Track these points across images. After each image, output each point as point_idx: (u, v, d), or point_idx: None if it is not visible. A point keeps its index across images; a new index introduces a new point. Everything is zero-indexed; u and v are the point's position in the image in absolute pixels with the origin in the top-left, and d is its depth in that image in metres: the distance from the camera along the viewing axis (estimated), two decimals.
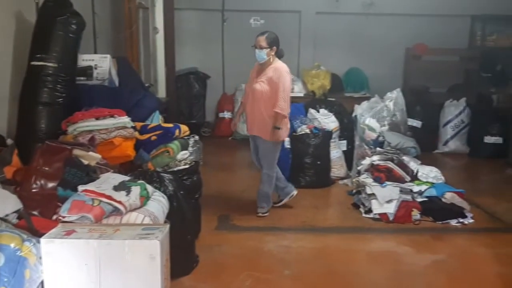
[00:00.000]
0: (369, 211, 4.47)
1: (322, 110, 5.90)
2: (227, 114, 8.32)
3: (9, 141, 3.24)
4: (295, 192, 4.71)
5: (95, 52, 5.63)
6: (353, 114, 6.06)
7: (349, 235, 4.09)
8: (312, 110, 5.83)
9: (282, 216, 4.48)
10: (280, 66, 4.21)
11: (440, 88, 8.10)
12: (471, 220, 4.41)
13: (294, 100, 6.65)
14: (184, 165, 3.81)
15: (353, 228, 4.24)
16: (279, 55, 4.33)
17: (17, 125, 3.74)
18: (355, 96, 7.59)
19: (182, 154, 3.87)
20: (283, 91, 4.13)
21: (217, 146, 7.48)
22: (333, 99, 6.49)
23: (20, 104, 3.74)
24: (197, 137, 6.32)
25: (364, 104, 6.02)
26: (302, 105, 6.02)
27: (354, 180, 4.98)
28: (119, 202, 2.60)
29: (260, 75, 4.27)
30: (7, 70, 3.80)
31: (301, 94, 7.53)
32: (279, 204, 4.67)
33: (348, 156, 5.84)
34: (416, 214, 4.40)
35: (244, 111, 4.74)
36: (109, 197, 2.61)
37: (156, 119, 4.37)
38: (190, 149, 5.75)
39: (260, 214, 4.46)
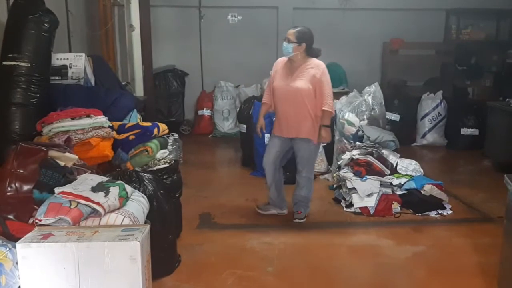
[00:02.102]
0: (350, 205, 4.49)
1: None
2: (206, 112, 8.29)
3: None
4: (285, 212, 4.39)
5: (70, 51, 5.52)
6: None
7: (331, 230, 4.10)
8: None
9: (263, 213, 4.47)
10: (320, 63, 3.99)
11: (417, 81, 8.21)
12: (450, 212, 4.49)
13: None
14: (164, 164, 3.76)
15: (334, 222, 4.26)
16: (314, 54, 4.05)
17: None
18: (334, 91, 7.54)
19: (162, 153, 3.83)
20: (328, 88, 3.96)
21: (197, 144, 7.44)
22: None
23: None
24: (176, 136, 6.28)
25: (343, 99, 6.04)
26: None
27: (334, 175, 5.00)
28: (98, 204, 2.55)
29: (296, 72, 4.00)
30: None
31: None
32: (264, 211, 4.40)
33: (329, 151, 5.85)
34: (396, 207, 4.44)
35: (269, 111, 4.40)
36: (87, 199, 2.55)
37: (134, 118, 4.30)
38: (170, 147, 5.70)
39: (297, 220, 4.18)
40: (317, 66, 3.96)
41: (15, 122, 3.63)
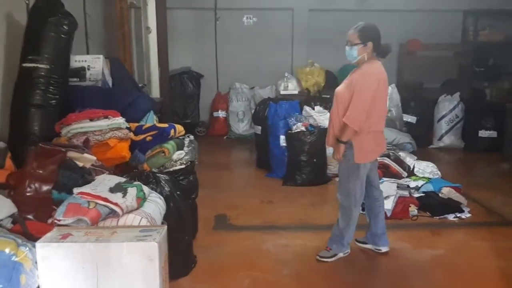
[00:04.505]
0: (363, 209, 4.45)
1: (317, 107, 5.88)
2: (221, 113, 8.31)
3: (2, 144, 3.18)
4: (385, 249, 3.68)
5: (88, 53, 5.58)
6: None
7: None
8: (307, 108, 5.81)
9: (279, 215, 4.46)
10: (368, 66, 3.28)
11: (434, 83, 8.12)
12: (469, 215, 4.42)
13: (288, 98, 6.67)
14: (180, 165, 3.78)
15: None
16: (383, 53, 3.38)
17: (9, 128, 3.69)
18: None
19: (178, 154, 3.84)
20: (357, 98, 3.20)
21: (212, 146, 7.45)
22: (328, 96, 6.48)
23: (12, 107, 3.69)
24: (192, 137, 6.28)
25: None
26: (297, 102, 6.00)
27: None
28: (116, 204, 2.56)
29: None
30: None
31: (296, 92, 7.50)
32: (365, 245, 3.77)
33: None
34: (413, 209, 4.40)
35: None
36: (105, 199, 2.56)
37: (151, 119, 4.32)
38: (186, 149, 5.73)
39: (318, 258, 3.54)
40: (362, 69, 3.29)
41: (34, 123, 3.67)
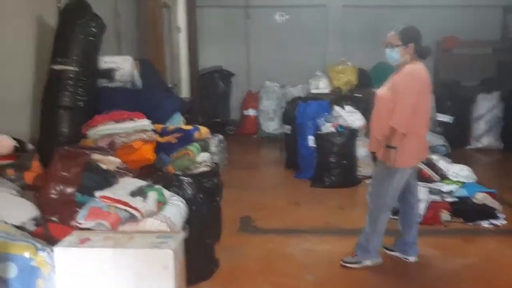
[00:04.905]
0: (397, 212, 4.31)
1: (347, 107, 5.75)
2: (251, 112, 8.29)
3: (30, 146, 3.25)
4: (413, 259, 3.53)
5: (119, 54, 5.65)
6: None
7: None
8: (337, 108, 5.69)
9: (305, 217, 4.40)
10: (411, 67, 3.17)
11: (471, 81, 7.82)
12: (504, 221, 4.22)
13: (319, 97, 6.58)
14: (204, 167, 3.77)
15: None
16: (424, 54, 3.30)
17: (39, 129, 3.77)
18: None
19: (202, 156, 3.83)
20: (402, 100, 3.09)
21: (241, 145, 7.45)
22: (360, 95, 6.34)
23: (42, 109, 3.77)
24: (221, 136, 6.32)
25: None
26: (327, 102, 5.89)
27: None
28: (135, 209, 2.57)
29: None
30: (29, 74, 3.83)
31: (327, 91, 7.38)
32: (393, 252, 3.63)
33: None
34: (445, 215, 4.24)
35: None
36: (126, 203, 2.58)
37: (177, 120, 4.33)
38: (214, 148, 5.76)
39: (342, 262, 3.43)
40: (405, 70, 3.18)
41: (63, 125, 3.73)
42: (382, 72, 8.24)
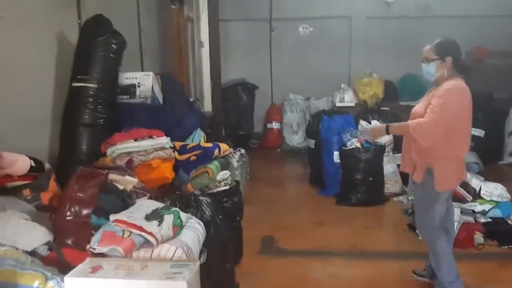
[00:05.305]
0: None
1: (374, 122, 5.57)
2: (275, 125, 8.15)
3: (47, 166, 3.20)
4: None
5: (142, 69, 5.63)
6: None
7: (405, 262, 3.71)
8: (363, 122, 5.52)
9: (330, 238, 4.22)
10: (452, 83, 2.94)
11: (505, 93, 7.50)
12: None
13: (344, 110, 6.40)
14: (224, 186, 3.66)
15: (409, 253, 3.88)
16: (461, 69, 3.05)
17: (59, 146, 3.73)
18: (412, 105, 7.09)
19: (222, 175, 3.71)
20: (437, 116, 2.86)
21: (264, 158, 7.32)
22: (387, 109, 6.15)
23: (62, 126, 3.74)
24: (243, 151, 6.20)
25: None
26: (352, 117, 5.72)
27: (410, 198, 4.63)
28: (150, 234, 2.46)
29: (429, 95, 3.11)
30: (50, 92, 3.81)
31: (352, 104, 7.18)
32: (422, 278, 3.45)
33: None
34: (479, 237, 4.01)
35: None
36: (140, 228, 2.47)
37: (198, 136, 4.25)
38: (235, 164, 5.65)
39: None
40: (445, 86, 2.95)
41: (82, 142, 3.69)
42: (409, 84, 8.09)
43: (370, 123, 5.57)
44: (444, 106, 2.88)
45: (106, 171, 3.04)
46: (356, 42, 8.16)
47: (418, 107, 3.12)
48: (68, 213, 2.80)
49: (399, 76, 7.96)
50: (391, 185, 5.29)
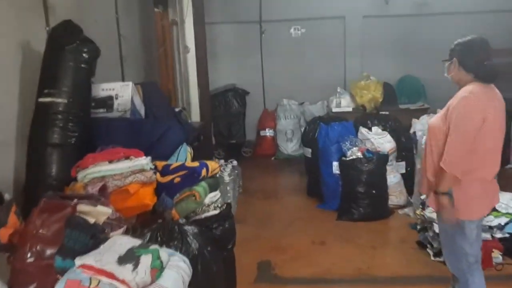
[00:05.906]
0: (439, 253, 3.71)
1: (374, 129, 5.18)
2: (268, 132, 7.75)
3: (7, 196, 2.77)
4: None
5: (123, 79, 5.22)
6: (411, 131, 5.31)
7: None
8: (363, 129, 5.13)
9: (332, 261, 3.84)
10: (467, 90, 2.57)
11: (509, 93, 7.14)
12: None
13: (341, 116, 6.00)
14: (214, 209, 3.24)
15: (421, 277, 3.52)
16: (482, 76, 2.62)
17: (26, 171, 3.30)
18: (412, 108, 6.76)
19: (211, 197, 3.30)
20: (455, 135, 2.50)
21: (258, 168, 6.92)
22: (387, 113, 5.77)
23: (29, 147, 3.30)
24: (235, 163, 5.80)
25: (424, 118, 5.24)
26: (351, 124, 5.33)
27: (418, 213, 4.24)
28: (123, 282, 2.05)
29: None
30: (14, 109, 3.36)
31: (350, 109, 6.78)
32: None
33: (408, 179, 5.09)
34: (497, 256, 3.63)
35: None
36: (111, 276, 2.06)
37: (184, 153, 3.82)
38: (227, 178, 5.24)
39: None
40: (459, 94, 2.60)
41: (51, 165, 3.25)
42: (409, 85, 7.72)
43: (370, 129, 5.18)
44: (461, 127, 2.50)
45: (75, 201, 2.63)
46: (351, 43, 7.78)
47: (435, 120, 2.71)
48: (29, 254, 2.37)
49: (397, 77, 7.61)
50: (395, 196, 4.91)
